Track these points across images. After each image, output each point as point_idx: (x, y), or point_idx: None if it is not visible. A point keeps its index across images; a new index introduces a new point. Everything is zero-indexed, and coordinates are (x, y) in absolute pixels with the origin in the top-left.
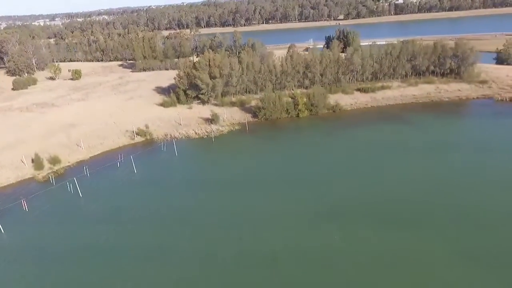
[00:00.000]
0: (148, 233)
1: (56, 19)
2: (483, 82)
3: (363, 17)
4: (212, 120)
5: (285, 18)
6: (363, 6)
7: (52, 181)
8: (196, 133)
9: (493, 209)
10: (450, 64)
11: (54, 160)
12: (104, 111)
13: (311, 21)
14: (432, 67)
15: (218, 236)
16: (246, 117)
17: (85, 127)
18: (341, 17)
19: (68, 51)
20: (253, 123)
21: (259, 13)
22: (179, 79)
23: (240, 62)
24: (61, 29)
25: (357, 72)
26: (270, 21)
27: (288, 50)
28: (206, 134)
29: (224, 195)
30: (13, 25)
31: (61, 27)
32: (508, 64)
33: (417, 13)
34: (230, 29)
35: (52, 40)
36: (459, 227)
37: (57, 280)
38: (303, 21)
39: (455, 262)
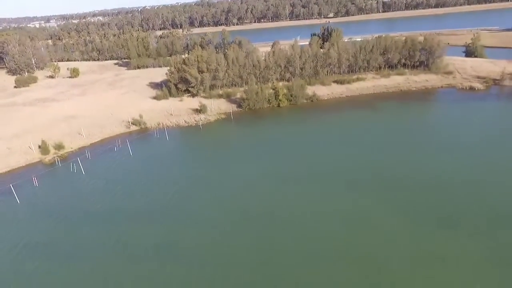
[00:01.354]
0: (139, 199)
1: (51, 21)
2: (449, 73)
3: (352, 15)
4: (200, 110)
5: (276, 17)
6: (352, 4)
7: (58, 163)
8: (185, 122)
9: (440, 174)
10: (419, 57)
11: (59, 146)
12: (102, 104)
13: (302, 19)
14: (403, 60)
15: (203, 197)
16: (232, 108)
17: (84, 118)
18: (331, 15)
19: (66, 51)
20: (238, 113)
21: (251, 12)
22: (170, 74)
23: (226, 58)
24: (57, 31)
25: (334, 65)
26: (262, 20)
27: (272, 47)
28: (195, 122)
29: (210, 168)
30: (8, 27)
31: (56, 28)
32: (475, 56)
33: (404, 10)
34: (222, 28)
35: (49, 41)
36: (402, 187)
37: (63, 234)
38: (294, 20)
39: (382, 214)
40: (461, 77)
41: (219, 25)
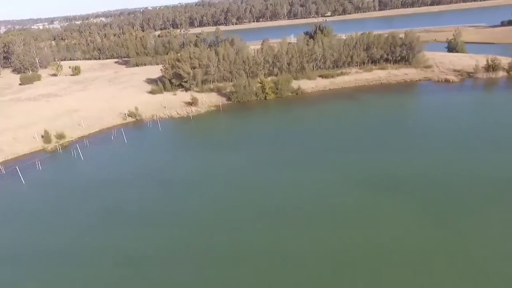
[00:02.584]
0: (129, 177)
1: (55, 22)
2: (428, 67)
3: (349, 13)
4: (192, 103)
5: (274, 16)
6: (350, 2)
7: (59, 150)
8: (178, 113)
9: (412, 156)
10: (400, 52)
11: (60, 136)
12: (101, 99)
13: (300, 18)
14: (385, 55)
15: (188, 178)
16: (222, 100)
17: (85, 111)
18: (329, 13)
19: (68, 51)
20: (227, 105)
21: (250, 12)
22: (165, 70)
23: (216, 54)
24: (60, 32)
25: (319, 61)
26: (260, 19)
27: (262, 44)
28: (187, 114)
29: (198, 153)
30: (12, 29)
31: (60, 29)
32: (456, 51)
33: (400, 8)
34: (222, 28)
35: (53, 42)
36: (376, 168)
37: (63, 205)
38: (292, 19)
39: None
40: (439, 70)
41: (219, 24)
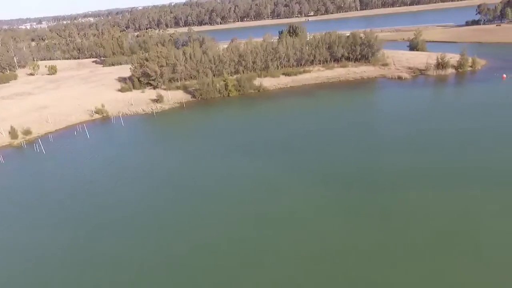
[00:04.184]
0: (85, 168)
1: (43, 22)
2: (385, 64)
3: (331, 13)
4: (157, 100)
5: (258, 16)
6: (332, 3)
7: (24, 145)
8: (143, 110)
9: (357, 144)
10: (361, 51)
11: (27, 132)
12: (72, 97)
13: (283, 18)
14: (346, 54)
15: (143, 168)
16: (187, 98)
17: (54, 108)
18: (311, 13)
19: (48, 50)
20: (192, 102)
21: (234, 11)
22: (134, 69)
23: (184, 53)
24: (44, 32)
25: (283, 59)
26: (245, 19)
27: (229, 44)
28: (151, 111)
29: (155, 145)
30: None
31: (46, 29)
32: (417, 50)
33: (380, 8)
34: (206, 27)
35: (32, 42)
36: (324, 154)
37: (17, 195)
38: (275, 18)
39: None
40: (395, 68)
41: (204, 24)
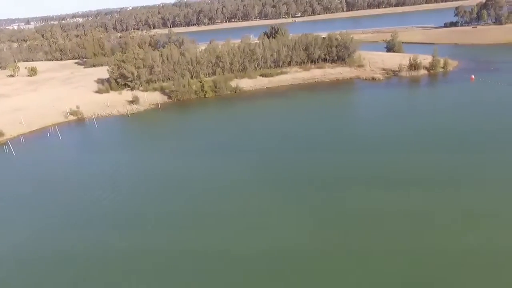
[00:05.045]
0: (57, 167)
1: (31, 22)
2: (361, 66)
3: (318, 14)
4: (133, 101)
5: (246, 17)
6: (319, 4)
7: None
8: (118, 111)
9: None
10: (337, 52)
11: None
12: (49, 98)
13: (271, 18)
14: (323, 55)
15: (110, 165)
16: (164, 99)
17: (29, 110)
18: (299, 14)
19: (30, 52)
20: (168, 104)
21: (222, 12)
22: (111, 70)
23: (161, 55)
24: (29, 33)
25: (260, 60)
26: (233, 20)
27: (208, 45)
28: (126, 112)
29: (124, 147)
30: None
31: (33, 30)
32: (394, 51)
33: (366, 9)
34: (194, 28)
35: (14, 43)
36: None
37: None
38: (263, 19)
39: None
40: (370, 69)
41: (191, 25)
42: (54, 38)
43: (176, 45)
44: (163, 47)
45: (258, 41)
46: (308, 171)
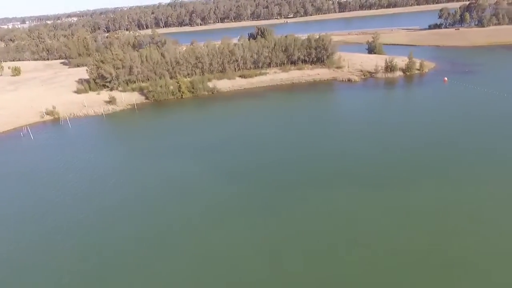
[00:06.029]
0: (27, 165)
1: (27, 22)
2: (339, 67)
3: (311, 15)
4: (110, 102)
5: (238, 17)
6: (312, 5)
7: None
8: (94, 112)
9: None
10: (316, 54)
11: None
12: (28, 98)
13: (263, 19)
14: (302, 57)
15: (78, 165)
16: (142, 100)
17: (6, 110)
18: (291, 15)
19: (18, 51)
20: (146, 104)
21: (214, 12)
22: (90, 70)
23: (140, 56)
24: (19, 32)
25: (240, 61)
26: (225, 20)
27: (189, 46)
28: (102, 113)
29: (94, 147)
30: None
31: (26, 30)
32: (374, 53)
33: (358, 10)
34: (187, 28)
35: (2, 43)
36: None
37: None
38: (255, 20)
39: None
40: (348, 71)
41: (184, 25)
42: (41, 38)
43: (159, 45)
44: (146, 46)
45: (237, 42)
46: (277, 171)
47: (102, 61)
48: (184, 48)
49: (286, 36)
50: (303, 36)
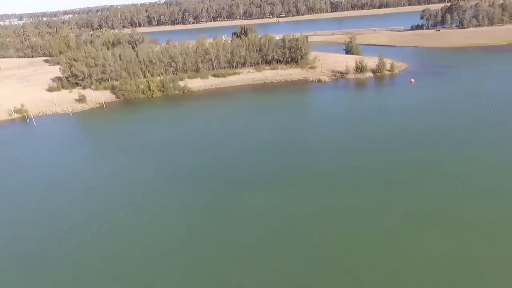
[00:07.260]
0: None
1: (24, 18)
2: (312, 67)
3: (303, 14)
4: (80, 100)
5: (231, 16)
6: (304, 6)
7: None
8: (63, 110)
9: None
10: (290, 54)
11: None
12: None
13: (255, 18)
14: (277, 56)
15: (43, 165)
16: (112, 98)
17: None
18: (283, 14)
19: (2, 49)
20: (116, 103)
21: (207, 11)
22: (62, 69)
23: (113, 54)
24: (3, 28)
25: (214, 61)
26: (218, 19)
27: (167, 44)
28: (71, 111)
29: (54, 146)
30: None
31: (20, 26)
32: (352, 53)
33: (350, 10)
34: (179, 27)
35: None
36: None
37: None
38: (248, 19)
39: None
40: (320, 71)
41: (176, 23)
42: (25, 35)
43: (136, 44)
44: (127, 45)
45: (211, 42)
46: (237, 169)
47: (74, 59)
48: (157, 48)
49: (260, 36)
50: (311, 36)
